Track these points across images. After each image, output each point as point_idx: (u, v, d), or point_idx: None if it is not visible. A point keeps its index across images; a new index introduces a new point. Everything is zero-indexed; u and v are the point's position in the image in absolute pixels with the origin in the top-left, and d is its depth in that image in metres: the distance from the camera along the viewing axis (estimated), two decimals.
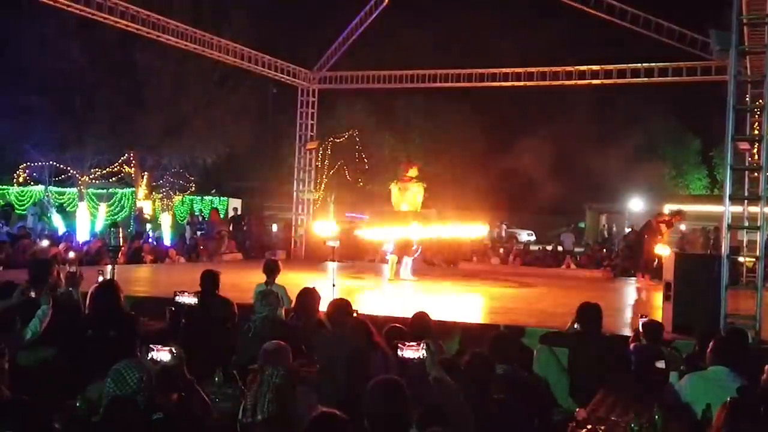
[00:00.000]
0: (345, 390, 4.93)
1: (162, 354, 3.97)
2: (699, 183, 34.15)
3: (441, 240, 15.19)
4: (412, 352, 3.98)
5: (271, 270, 7.87)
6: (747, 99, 11.49)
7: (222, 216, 26.45)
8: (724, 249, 7.13)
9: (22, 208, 24.99)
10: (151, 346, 4.04)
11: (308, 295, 6.62)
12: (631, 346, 6.24)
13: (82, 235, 18.18)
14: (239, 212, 26.13)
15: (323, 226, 13.06)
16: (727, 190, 7.17)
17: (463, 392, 4.05)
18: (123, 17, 13.59)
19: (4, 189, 26.37)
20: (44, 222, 21.86)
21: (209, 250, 17.26)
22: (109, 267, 8.07)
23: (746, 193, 11.51)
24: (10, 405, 3.30)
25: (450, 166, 29.10)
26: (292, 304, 7.00)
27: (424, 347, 3.96)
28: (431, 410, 3.77)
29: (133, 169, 24.39)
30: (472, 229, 14.53)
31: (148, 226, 20.91)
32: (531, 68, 16.80)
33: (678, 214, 14.50)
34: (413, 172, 12.77)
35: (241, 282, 9.48)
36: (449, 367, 4.19)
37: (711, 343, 4.96)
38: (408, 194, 12.64)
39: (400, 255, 12.74)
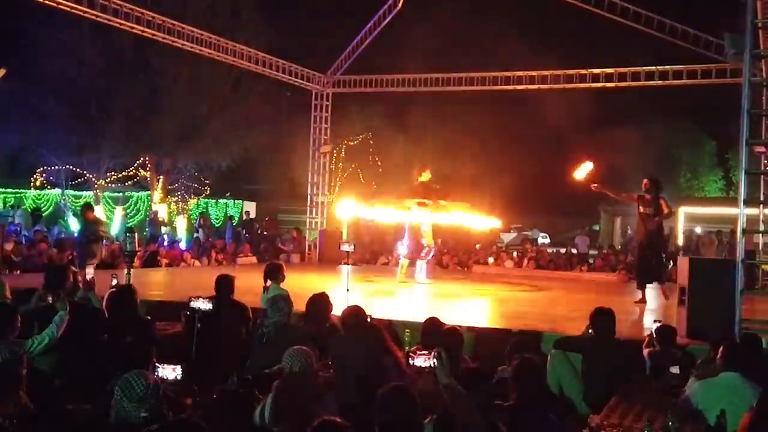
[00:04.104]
0: (358, 396, 4.95)
1: (167, 371, 4.00)
2: (714, 185, 33.94)
3: (449, 229, 14.56)
4: (423, 360, 3.98)
5: (275, 272, 7.84)
6: (763, 101, 11.45)
7: (238, 219, 26.62)
8: (739, 253, 7.07)
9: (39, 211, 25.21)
10: (156, 363, 4.07)
11: (319, 301, 6.64)
12: (645, 351, 6.23)
13: None
14: (252, 215, 26.24)
15: (344, 208, 12.82)
16: (742, 194, 7.11)
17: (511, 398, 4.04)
18: (138, 22, 13.69)
19: (21, 192, 26.68)
20: (60, 225, 22.04)
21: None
22: (125, 271, 8.15)
23: (762, 197, 11.46)
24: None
25: (463, 168, 29.00)
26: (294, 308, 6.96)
27: (435, 355, 3.97)
28: (442, 418, 3.78)
29: (148, 172, 24.55)
30: (483, 221, 13.37)
31: (163, 229, 21.05)
32: (545, 71, 16.76)
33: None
34: (426, 176, 12.45)
35: (256, 286, 9.50)
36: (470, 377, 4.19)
37: (720, 349, 4.93)
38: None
39: (412, 258, 12.72)
